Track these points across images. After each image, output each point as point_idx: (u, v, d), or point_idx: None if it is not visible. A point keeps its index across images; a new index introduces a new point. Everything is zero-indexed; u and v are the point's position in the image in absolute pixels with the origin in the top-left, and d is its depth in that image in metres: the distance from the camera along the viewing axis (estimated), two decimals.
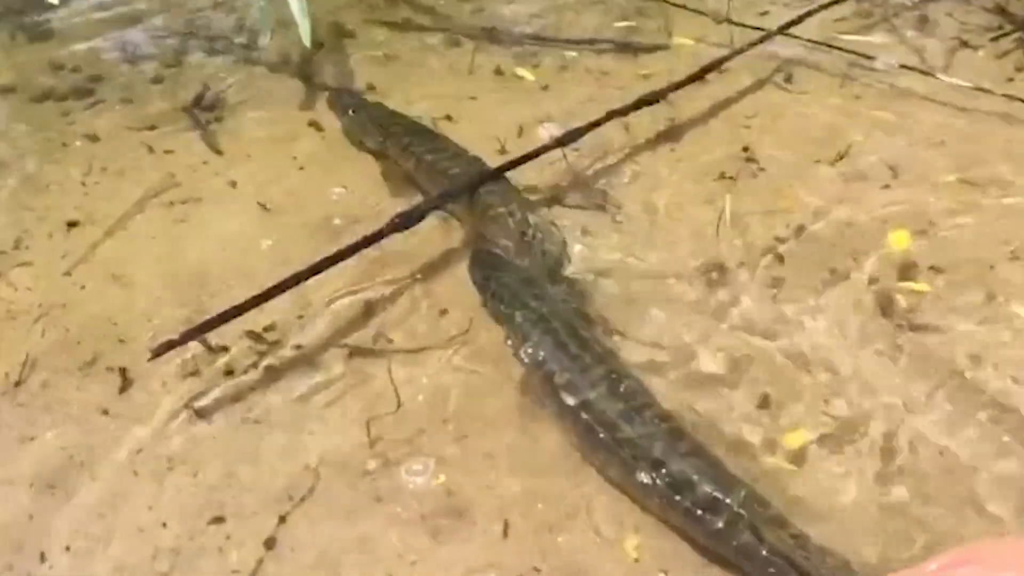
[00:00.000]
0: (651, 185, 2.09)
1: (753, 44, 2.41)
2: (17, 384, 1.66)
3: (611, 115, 2.10)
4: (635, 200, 2.04)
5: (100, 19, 2.78)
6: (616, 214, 2.00)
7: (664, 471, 1.38)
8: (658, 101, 2.19)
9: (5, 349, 1.73)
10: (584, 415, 1.48)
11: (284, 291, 1.69)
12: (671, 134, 2.24)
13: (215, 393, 1.63)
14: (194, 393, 1.63)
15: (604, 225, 1.97)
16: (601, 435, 1.45)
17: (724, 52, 2.36)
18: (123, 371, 1.67)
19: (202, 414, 1.60)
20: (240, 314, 1.65)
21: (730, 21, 2.59)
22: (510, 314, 1.66)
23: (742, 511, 1.33)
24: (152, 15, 2.79)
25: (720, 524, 1.33)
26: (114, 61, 2.59)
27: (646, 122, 2.25)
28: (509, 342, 1.65)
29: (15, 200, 2.10)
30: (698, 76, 2.28)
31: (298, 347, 1.72)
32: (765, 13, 2.68)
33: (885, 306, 1.74)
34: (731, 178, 2.09)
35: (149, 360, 1.60)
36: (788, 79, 2.43)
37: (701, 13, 2.68)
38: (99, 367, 1.69)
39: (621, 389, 1.50)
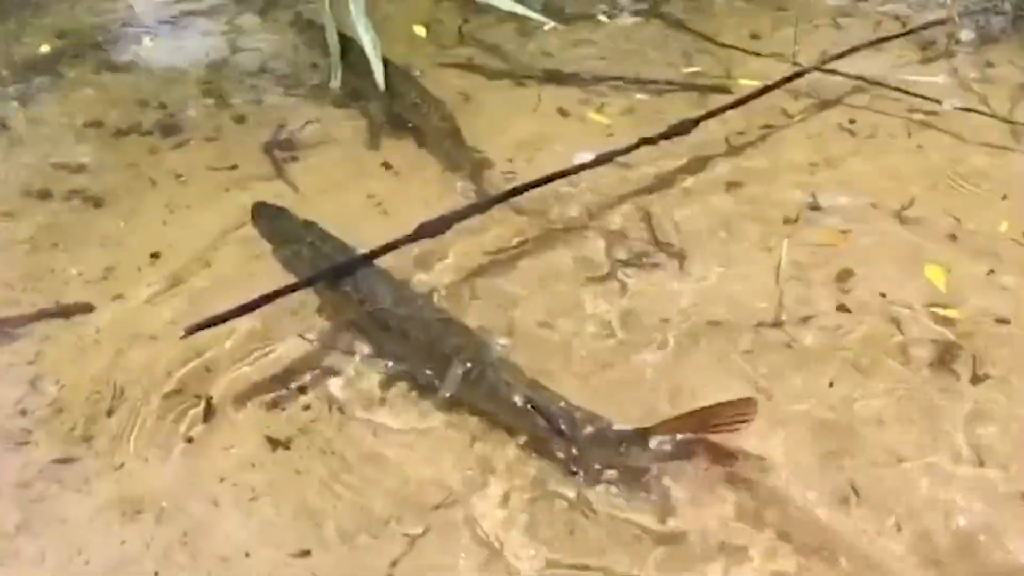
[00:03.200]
0: (714, 231, 2.11)
1: (793, 76, 2.48)
2: (109, 414, 1.74)
3: (643, 142, 2.22)
4: (698, 246, 2.07)
5: (182, 56, 2.90)
6: (682, 262, 2.03)
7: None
8: (689, 132, 2.28)
9: (95, 377, 1.81)
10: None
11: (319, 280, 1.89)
12: (736, 179, 2.27)
13: (296, 426, 1.70)
14: (275, 425, 1.69)
15: (668, 272, 2.01)
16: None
17: (789, 93, 2.42)
18: (208, 400, 1.74)
19: (283, 446, 1.66)
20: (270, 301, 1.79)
21: (795, 63, 2.63)
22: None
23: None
24: (232, 54, 2.91)
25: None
26: (196, 98, 2.69)
27: (710, 166, 2.28)
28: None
29: (105, 232, 2.20)
30: (733, 106, 2.37)
31: (379, 384, 1.78)
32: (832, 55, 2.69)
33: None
34: (794, 221, 2.12)
35: (182, 338, 1.70)
36: (854, 124, 2.45)
37: (764, 55, 2.72)
38: (184, 396, 1.76)
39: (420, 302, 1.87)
